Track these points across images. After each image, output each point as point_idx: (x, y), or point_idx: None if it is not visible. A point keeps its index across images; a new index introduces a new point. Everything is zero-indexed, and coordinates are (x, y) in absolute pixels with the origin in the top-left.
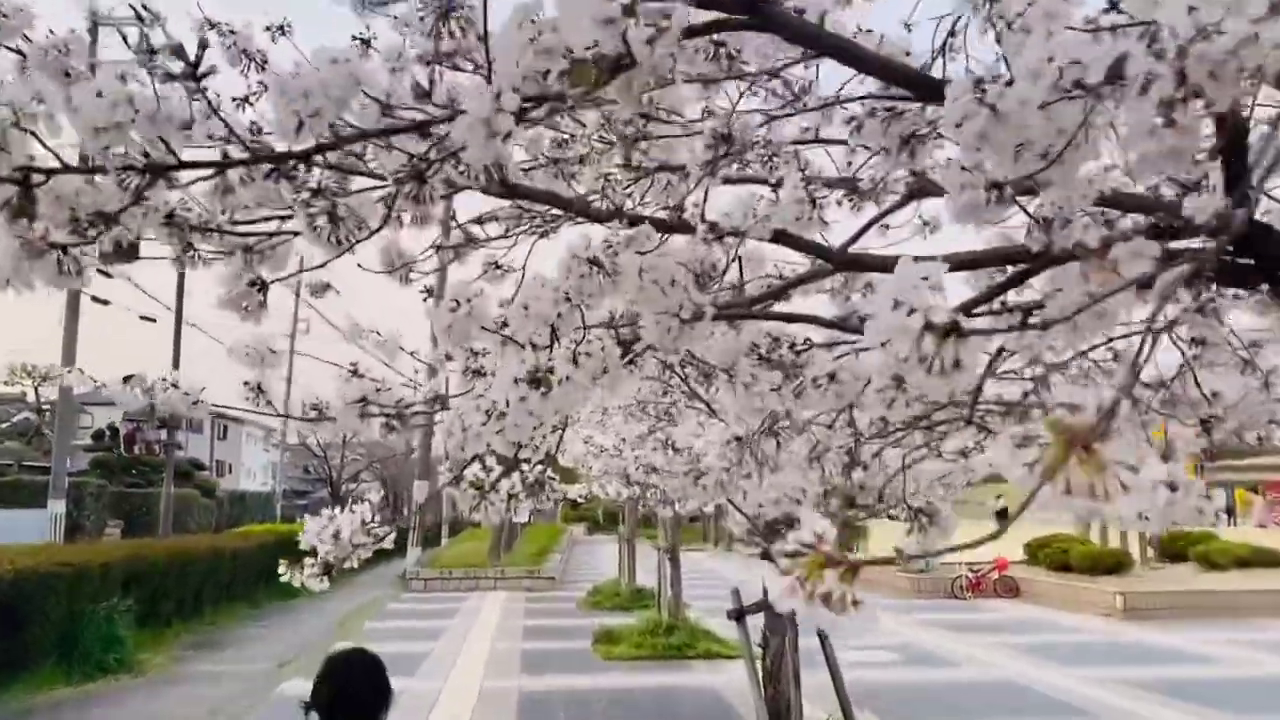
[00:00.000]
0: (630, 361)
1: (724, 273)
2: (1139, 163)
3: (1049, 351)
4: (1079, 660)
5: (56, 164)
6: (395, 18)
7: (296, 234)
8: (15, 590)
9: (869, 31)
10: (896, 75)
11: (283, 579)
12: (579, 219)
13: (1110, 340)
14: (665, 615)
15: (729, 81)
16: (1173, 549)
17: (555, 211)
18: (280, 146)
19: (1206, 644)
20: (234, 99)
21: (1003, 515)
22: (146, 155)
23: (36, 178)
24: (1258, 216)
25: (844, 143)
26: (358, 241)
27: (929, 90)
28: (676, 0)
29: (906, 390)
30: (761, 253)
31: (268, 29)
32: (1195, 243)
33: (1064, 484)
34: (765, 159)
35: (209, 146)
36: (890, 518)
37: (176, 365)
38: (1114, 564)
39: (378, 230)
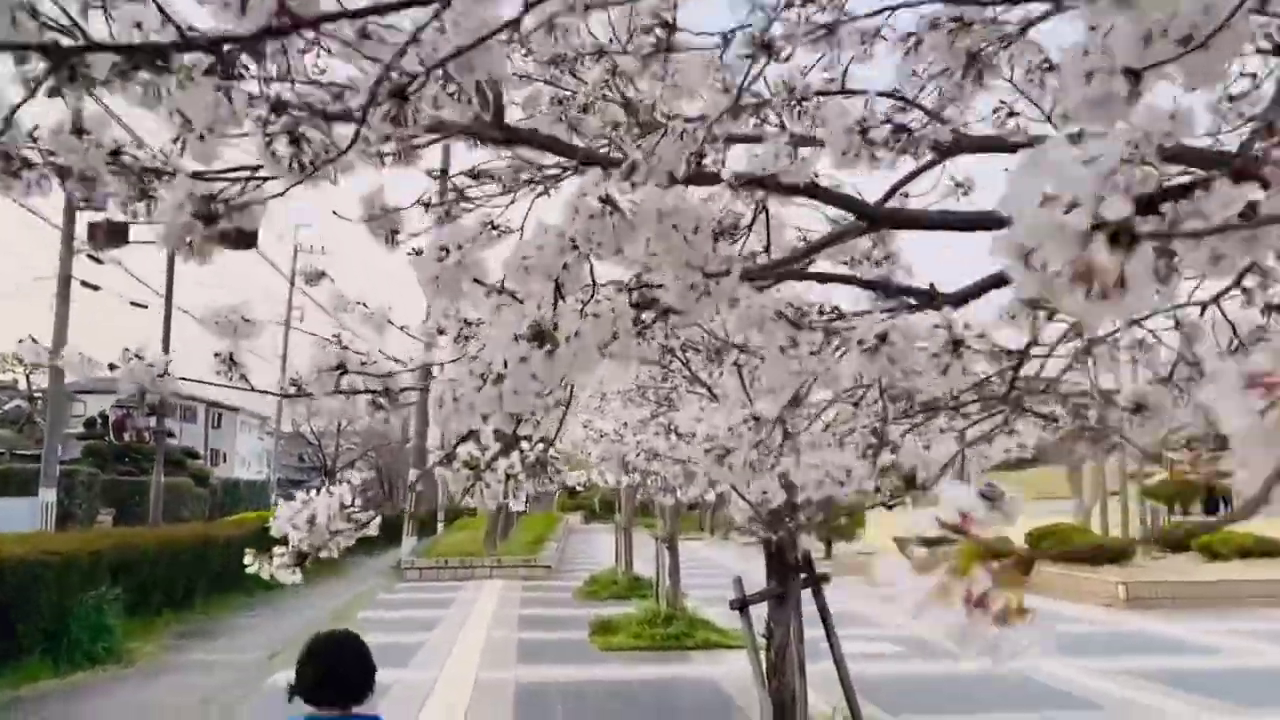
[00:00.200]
0: (643, 329)
1: (749, 229)
2: None
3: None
4: (1082, 651)
5: None
6: None
7: (263, 177)
8: (1, 579)
9: None
10: None
11: (250, 568)
12: (585, 170)
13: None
14: (663, 605)
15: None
16: (1174, 539)
17: (558, 163)
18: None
19: (1210, 634)
20: None
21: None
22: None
23: None
24: None
25: (888, 95)
26: (326, 163)
27: None
28: None
29: (963, 356)
30: (781, 218)
31: None
32: None
33: None
34: (791, 105)
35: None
36: (888, 506)
37: (167, 351)
38: (1115, 553)
39: (348, 151)
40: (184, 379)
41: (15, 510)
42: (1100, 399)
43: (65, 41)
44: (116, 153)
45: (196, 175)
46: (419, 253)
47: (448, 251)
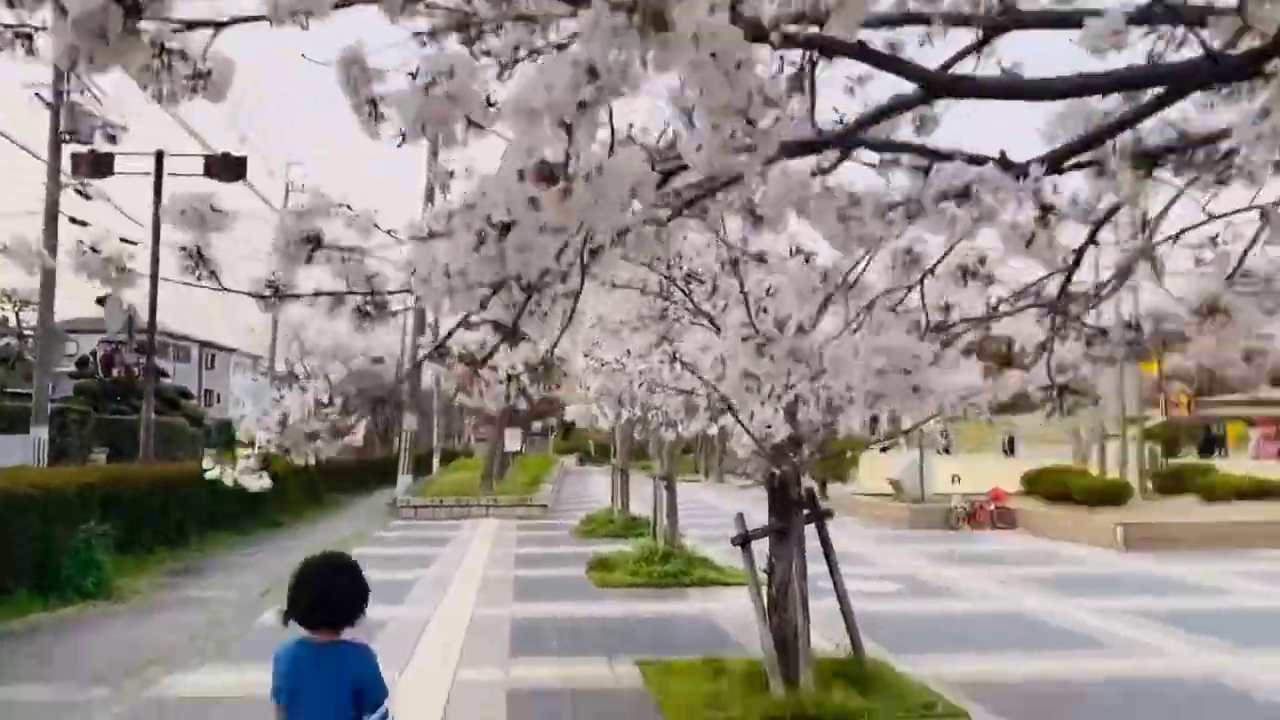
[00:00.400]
0: (667, 198)
1: (790, 93)
2: None
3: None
4: (1081, 591)
5: None
6: None
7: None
8: None
9: None
10: None
11: (208, 475)
12: None
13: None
14: (661, 543)
15: None
16: (1171, 481)
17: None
18: None
19: (1208, 574)
20: None
21: (1011, 448)
22: None
23: None
24: None
25: None
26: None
27: None
28: None
29: (1050, 224)
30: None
31: None
32: None
33: None
34: None
35: None
36: (883, 449)
37: (154, 285)
38: (1113, 495)
39: None
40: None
41: (7, 447)
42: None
43: None
44: None
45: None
46: (405, 136)
47: (434, 80)
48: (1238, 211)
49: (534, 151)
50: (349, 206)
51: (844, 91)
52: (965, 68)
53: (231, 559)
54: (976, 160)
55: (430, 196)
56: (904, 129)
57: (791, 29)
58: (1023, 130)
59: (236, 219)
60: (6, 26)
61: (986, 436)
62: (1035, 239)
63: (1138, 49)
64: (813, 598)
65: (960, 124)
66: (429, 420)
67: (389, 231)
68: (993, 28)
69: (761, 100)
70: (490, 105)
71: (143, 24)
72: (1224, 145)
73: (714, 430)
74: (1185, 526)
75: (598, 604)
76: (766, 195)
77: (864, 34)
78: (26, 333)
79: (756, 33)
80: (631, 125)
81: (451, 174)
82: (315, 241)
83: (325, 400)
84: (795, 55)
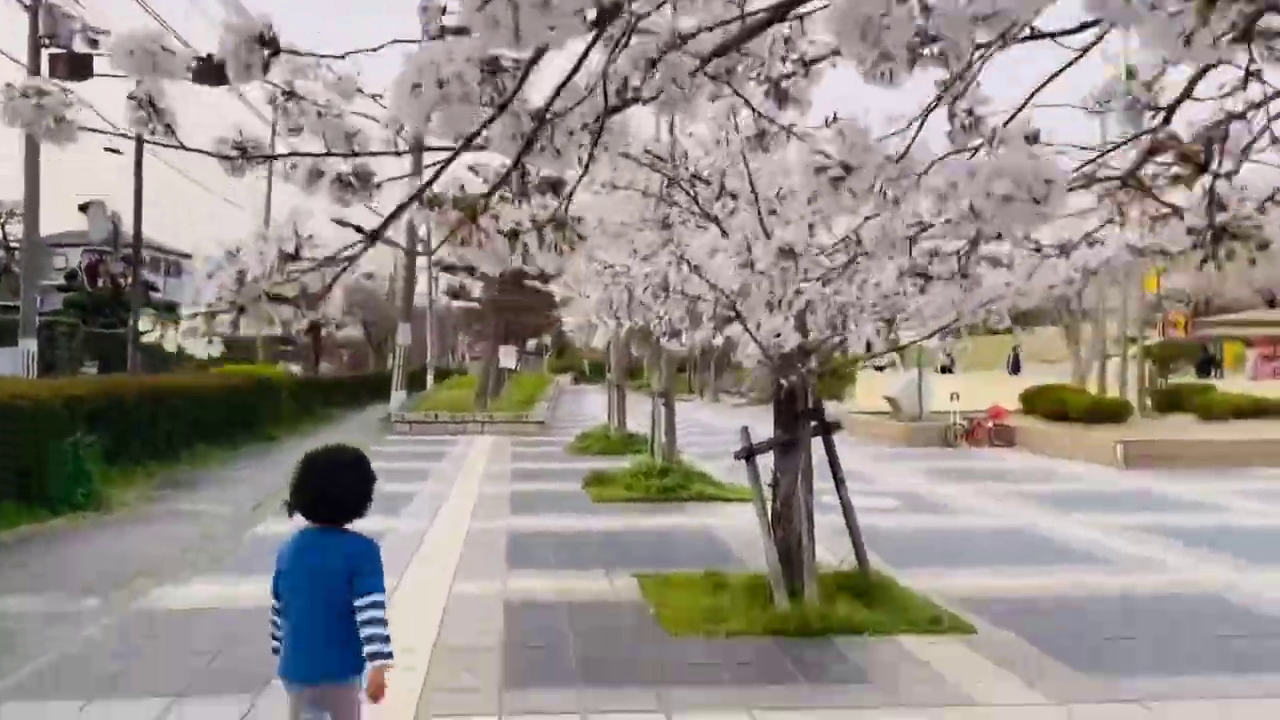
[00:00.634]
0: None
1: None
2: None
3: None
4: (1081, 507)
5: None
6: None
7: None
8: None
9: None
10: None
11: (145, 337)
12: None
13: None
14: (658, 459)
15: None
16: (1170, 400)
17: None
18: None
19: (1208, 493)
20: None
21: (1016, 367)
22: None
23: None
24: None
25: None
26: None
27: None
28: None
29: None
30: None
31: None
32: None
33: None
34: None
35: None
36: (878, 368)
37: (139, 195)
38: (1112, 413)
39: None
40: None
41: None
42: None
43: None
44: None
45: None
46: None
47: None
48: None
49: None
50: (331, 69)
51: None
52: None
53: (223, 472)
54: None
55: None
56: None
57: None
58: None
59: (192, 62)
60: None
61: (985, 356)
62: (1196, 35)
63: None
64: (815, 512)
65: None
66: (422, 337)
67: (375, 96)
68: None
69: None
70: None
71: None
72: None
73: (719, 340)
74: (1184, 445)
75: (595, 518)
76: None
77: None
78: (13, 245)
79: None
80: None
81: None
82: (272, 46)
83: (295, 251)
84: None
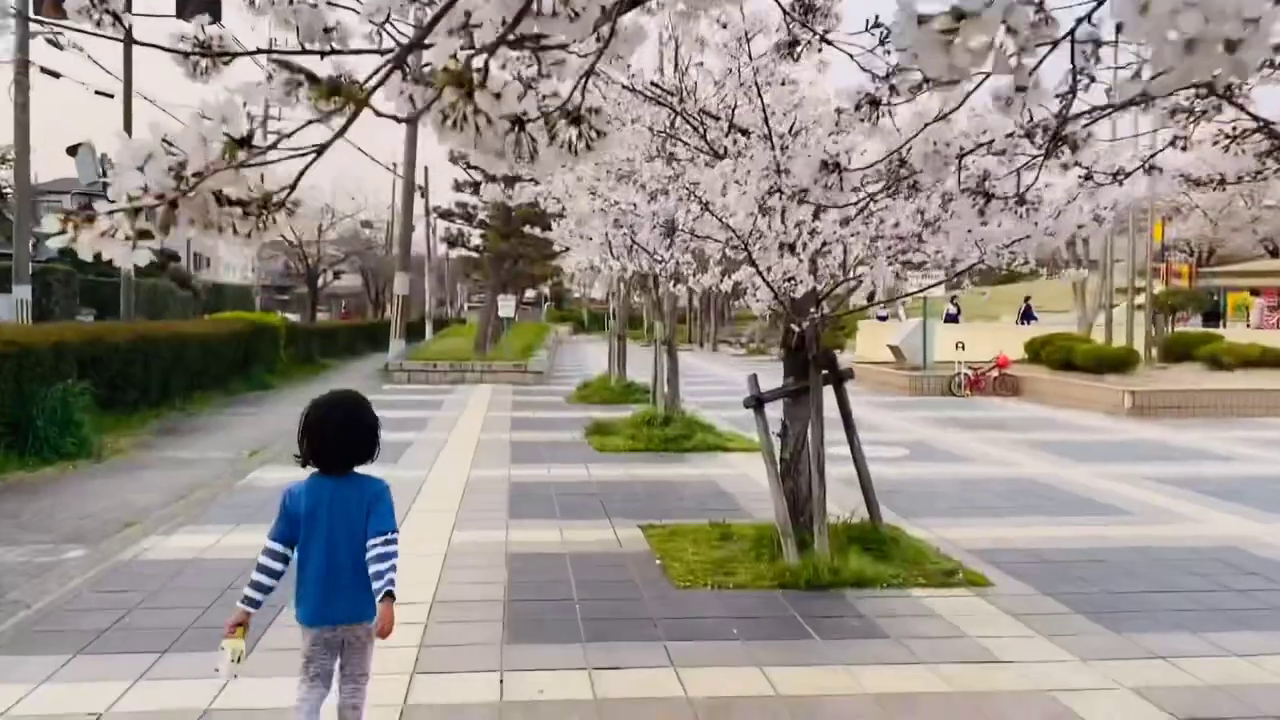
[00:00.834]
0: None
1: None
2: None
3: None
4: (1092, 456)
5: None
6: None
7: None
8: None
9: None
10: None
11: (51, 243)
12: None
13: None
14: (661, 408)
15: None
16: (1178, 349)
17: None
18: None
19: (1221, 442)
20: None
21: (1028, 316)
22: None
23: None
24: None
25: None
26: None
27: None
28: None
29: None
30: None
31: None
32: None
33: None
34: None
35: None
36: (880, 318)
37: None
38: (1119, 362)
39: None
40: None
41: None
42: None
43: None
44: None
45: None
46: None
47: None
48: None
49: None
50: None
51: None
52: None
53: (216, 419)
54: None
55: None
56: None
57: None
58: None
59: None
60: None
61: (989, 306)
62: None
63: None
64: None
65: None
66: (420, 285)
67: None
68: None
69: None
70: None
71: None
72: None
73: (727, 285)
74: (1193, 394)
75: (598, 467)
76: None
77: None
78: (5, 191)
79: None
80: None
81: None
82: None
83: (246, 136)
84: None
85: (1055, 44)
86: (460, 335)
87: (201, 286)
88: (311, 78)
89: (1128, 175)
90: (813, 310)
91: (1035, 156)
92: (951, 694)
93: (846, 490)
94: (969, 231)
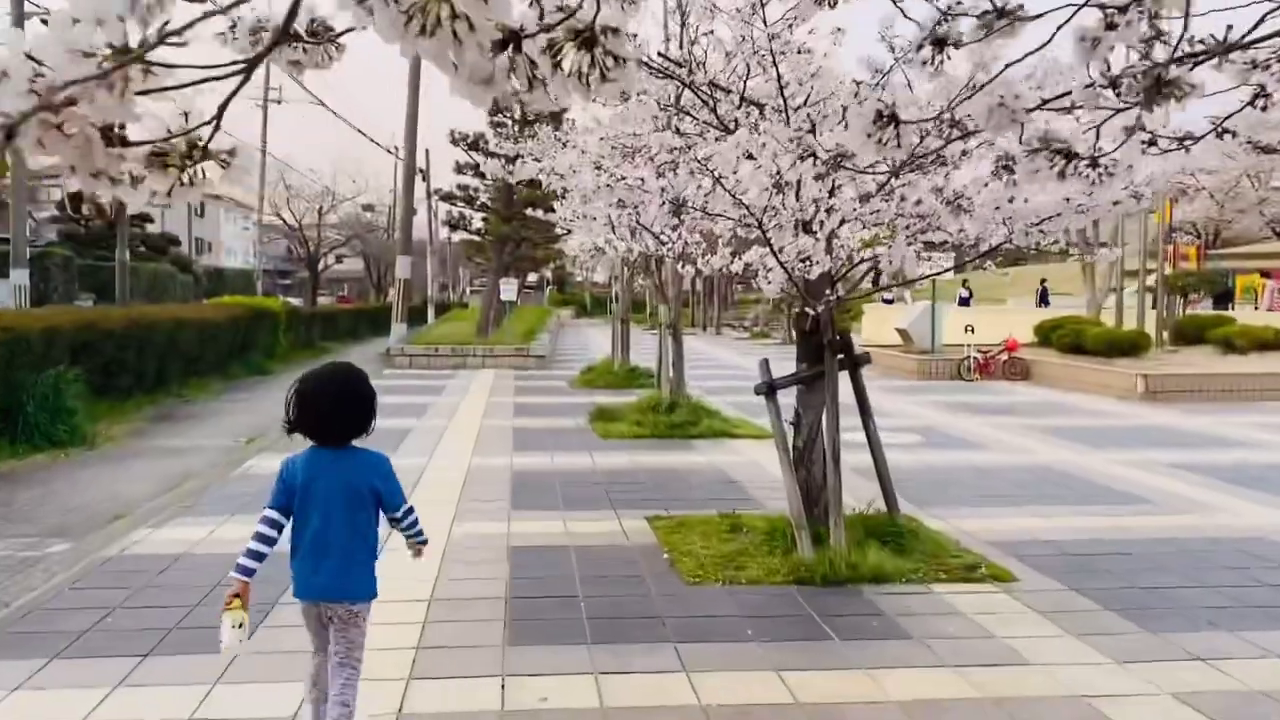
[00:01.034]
0: None
1: None
2: None
3: None
4: (1108, 442)
5: None
6: None
7: None
8: None
9: None
10: None
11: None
12: None
13: None
14: (666, 393)
15: None
16: (1189, 332)
17: None
18: None
19: (1237, 426)
20: None
21: (1045, 298)
22: None
23: None
24: None
25: None
26: None
27: None
28: None
29: None
30: None
31: None
32: None
33: None
34: None
35: None
36: (886, 301)
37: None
38: (1130, 346)
39: None
40: None
41: None
42: None
43: None
44: None
45: None
46: None
47: None
48: None
49: None
50: None
51: None
52: None
53: (213, 406)
54: None
55: None
56: None
57: None
58: None
59: None
60: None
61: (999, 289)
62: None
63: None
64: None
65: None
66: (422, 270)
67: None
68: None
69: None
70: None
71: None
72: None
73: (738, 267)
74: (1207, 378)
75: (602, 455)
76: None
77: None
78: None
79: None
80: None
81: None
82: None
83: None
84: None
85: None
86: (462, 319)
87: (202, 271)
88: None
89: (1196, 140)
90: (828, 292)
91: (1123, 108)
92: (982, 700)
93: (859, 479)
94: (996, 209)
